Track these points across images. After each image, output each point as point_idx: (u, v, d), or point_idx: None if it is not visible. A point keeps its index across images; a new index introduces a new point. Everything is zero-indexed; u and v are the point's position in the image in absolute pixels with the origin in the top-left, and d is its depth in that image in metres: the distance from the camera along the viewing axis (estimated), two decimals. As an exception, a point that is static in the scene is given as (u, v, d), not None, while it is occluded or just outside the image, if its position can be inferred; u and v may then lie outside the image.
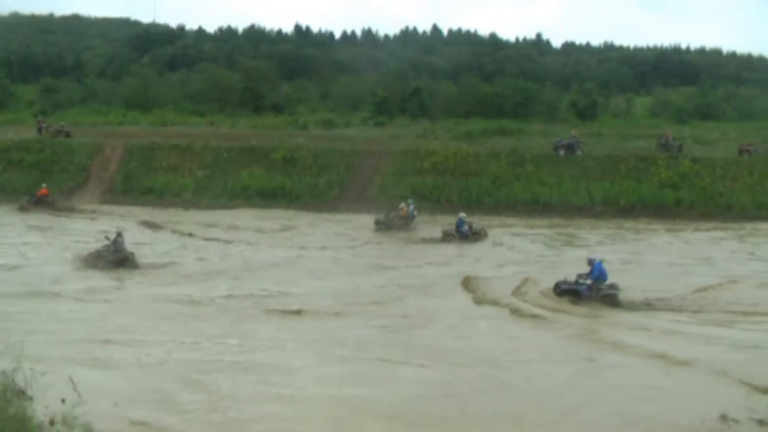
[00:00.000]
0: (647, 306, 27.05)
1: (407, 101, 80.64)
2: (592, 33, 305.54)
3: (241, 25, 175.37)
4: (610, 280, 27.62)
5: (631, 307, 27.00)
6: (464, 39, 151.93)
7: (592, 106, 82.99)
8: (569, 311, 26.68)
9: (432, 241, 40.78)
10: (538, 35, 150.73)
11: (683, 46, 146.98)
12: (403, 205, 45.00)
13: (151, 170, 55.94)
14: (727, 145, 60.35)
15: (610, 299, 27.18)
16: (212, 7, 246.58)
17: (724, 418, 16.52)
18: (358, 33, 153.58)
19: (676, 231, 45.08)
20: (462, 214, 41.50)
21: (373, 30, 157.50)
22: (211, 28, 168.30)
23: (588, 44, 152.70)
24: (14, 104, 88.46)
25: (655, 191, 51.37)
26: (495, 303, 27.80)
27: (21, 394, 14.97)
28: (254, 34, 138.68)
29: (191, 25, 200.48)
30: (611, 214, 49.53)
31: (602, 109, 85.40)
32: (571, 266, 29.98)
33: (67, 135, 61.15)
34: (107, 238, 34.37)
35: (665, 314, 26.14)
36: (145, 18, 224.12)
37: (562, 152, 55.70)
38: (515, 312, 26.71)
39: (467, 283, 30.67)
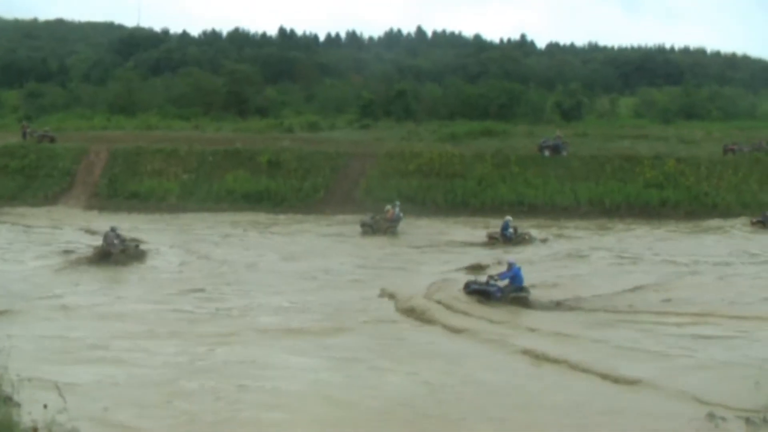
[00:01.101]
0: (557, 307, 26.79)
1: (392, 103, 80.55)
2: (576, 34, 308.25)
3: (225, 28, 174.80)
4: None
5: (541, 307, 26.76)
6: (449, 41, 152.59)
7: (576, 107, 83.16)
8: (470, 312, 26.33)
9: (474, 244, 40.02)
10: (522, 36, 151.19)
11: (667, 46, 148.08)
12: (389, 207, 44.79)
13: (136, 175, 55.77)
14: (711, 145, 60.58)
15: (521, 301, 26.91)
16: (196, 11, 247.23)
17: (711, 416, 16.49)
18: (343, 35, 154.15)
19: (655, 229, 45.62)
20: (508, 218, 40.90)
21: (358, 32, 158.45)
22: (195, 31, 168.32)
23: (572, 45, 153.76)
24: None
25: (640, 191, 51.53)
26: (409, 306, 26.98)
27: (8, 400, 14.90)
28: (238, 37, 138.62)
29: (175, 28, 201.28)
30: (597, 214, 49.64)
31: (587, 109, 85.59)
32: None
33: (52, 140, 60.94)
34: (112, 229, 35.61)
35: (570, 315, 26.00)
36: (129, 22, 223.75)
37: (547, 153, 55.84)
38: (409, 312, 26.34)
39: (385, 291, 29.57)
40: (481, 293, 27.08)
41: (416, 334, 24.09)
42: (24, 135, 62.35)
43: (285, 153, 56.87)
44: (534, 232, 41.79)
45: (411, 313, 26.09)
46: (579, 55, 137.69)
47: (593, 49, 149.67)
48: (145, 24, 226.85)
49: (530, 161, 55.21)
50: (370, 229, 43.66)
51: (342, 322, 25.32)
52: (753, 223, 45.22)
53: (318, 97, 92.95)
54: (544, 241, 40.89)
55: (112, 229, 35.55)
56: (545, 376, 20.12)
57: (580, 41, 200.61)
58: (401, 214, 44.56)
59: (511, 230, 39.70)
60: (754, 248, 38.91)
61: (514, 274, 26.97)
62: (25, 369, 16.48)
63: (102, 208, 52.36)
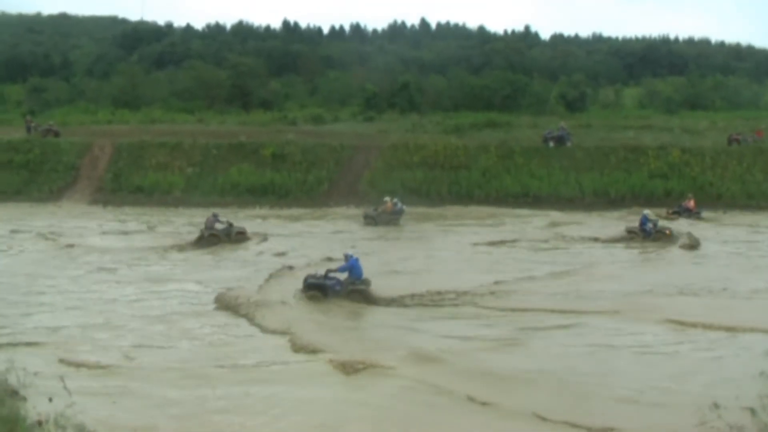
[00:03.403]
0: (398, 302, 26.60)
1: (396, 96, 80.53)
2: (580, 25, 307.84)
3: (228, 21, 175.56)
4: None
5: (382, 303, 26.61)
6: (452, 32, 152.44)
7: (580, 98, 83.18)
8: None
9: (613, 240, 39.37)
10: (527, 27, 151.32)
11: (671, 36, 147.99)
12: (387, 199, 44.90)
13: (140, 168, 55.61)
14: (716, 135, 60.54)
15: (359, 294, 26.65)
16: (200, 4, 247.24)
17: (715, 406, 16.48)
18: (347, 28, 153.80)
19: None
20: (646, 212, 40.38)
21: (362, 25, 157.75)
22: (198, 25, 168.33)
23: (576, 36, 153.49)
24: (2, 104, 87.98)
25: (645, 181, 51.61)
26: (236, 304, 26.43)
27: (14, 394, 14.91)
28: (242, 30, 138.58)
29: (179, 22, 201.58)
30: (601, 205, 49.74)
31: (591, 100, 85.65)
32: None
33: (56, 134, 60.76)
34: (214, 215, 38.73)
35: (409, 311, 25.99)
36: (133, 16, 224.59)
37: (551, 144, 55.77)
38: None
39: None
40: (318, 288, 26.75)
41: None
42: (28, 130, 62.16)
43: (289, 146, 56.75)
44: (674, 228, 40.45)
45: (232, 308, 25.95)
46: (583, 46, 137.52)
47: (597, 39, 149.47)
48: (149, 18, 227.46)
49: (534, 152, 55.13)
50: (372, 221, 43.88)
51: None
52: (669, 214, 45.80)
53: (322, 90, 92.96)
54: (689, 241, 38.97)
55: (214, 215, 38.51)
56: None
57: (585, 32, 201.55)
58: (403, 207, 44.64)
59: (650, 225, 38.95)
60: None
61: (351, 266, 26.73)
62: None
63: (107, 203, 52.30)
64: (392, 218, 44.10)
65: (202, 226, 38.37)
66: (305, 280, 27.13)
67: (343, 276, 26.73)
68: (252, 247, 37.56)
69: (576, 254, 36.31)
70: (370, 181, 52.83)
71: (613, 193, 50.39)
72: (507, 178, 52.54)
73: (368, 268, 27.61)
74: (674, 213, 45.96)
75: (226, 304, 26.16)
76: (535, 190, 51.35)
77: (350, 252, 28.01)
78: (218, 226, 38.00)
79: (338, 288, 26.51)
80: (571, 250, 37.31)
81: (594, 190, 51.19)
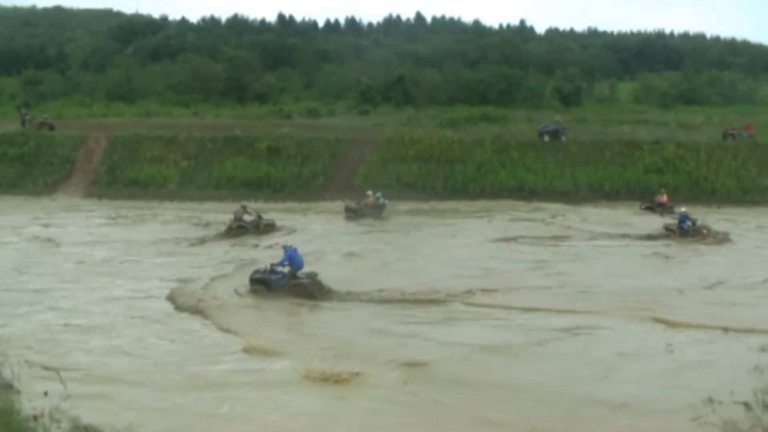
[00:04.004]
0: (347, 297, 26.64)
1: (391, 89, 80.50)
2: (575, 19, 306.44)
3: (224, 14, 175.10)
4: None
5: (329, 297, 26.62)
6: (448, 26, 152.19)
7: (576, 92, 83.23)
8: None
9: (651, 237, 38.81)
10: (522, 21, 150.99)
11: (667, 31, 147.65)
12: (369, 193, 45.29)
13: (135, 162, 55.54)
14: (711, 130, 60.57)
15: (302, 289, 26.61)
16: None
17: (710, 400, 16.48)
18: (342, 21, 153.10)
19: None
20: (683, 210, 39.99)
21: (357, 18, 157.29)
22: (194, 18, 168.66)
23: (572, 30, 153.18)
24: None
25: (640, 176, 51.66)
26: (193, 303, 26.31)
27: (8, 387, 14.92)
28: (237, 23, 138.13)
29: (174, 15, 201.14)
30: (596, 199, 49.86)
31: (586, 95, 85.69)
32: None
33: (51, 127, 60.64)
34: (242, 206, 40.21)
35: (357, 305, 26.03)
36: (128, 9, 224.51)
37: (546, 138, 55.77)
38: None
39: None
40: (262, 282, 26.80)
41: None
42: (23, 122, 62.02)
43: (284, 139, 56.69)
44: (713, 226, 40.02)
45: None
46: (578, 41, 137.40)
47: (593, 34, 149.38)
48: (144, 11, 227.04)
49: (530, 147, 55.13)
50: (354, 215, 44.26)
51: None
52: (642, 209, 46.19)
53: (317, 84, 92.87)
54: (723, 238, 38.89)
55: (243, 207, 39.88)
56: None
57: (580, 26, 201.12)
58: (385, 201, 44.81)
59: (688, 223, 38.47)
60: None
61: (289, 257, 26.75)
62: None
63: (101, 196, 52.29)
64: (374, 212, 44.32)
65: (231, 218, 39.40)
66: (251, 275, 27.24)
67: (285, 268, 26.69)
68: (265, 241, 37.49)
69: (636, 255, 35.64)
70: (366, 174, 52.80)
71: (608, 188, 50.45)
72: (502, 172, 52.51)
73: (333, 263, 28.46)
74: (647, 208, 46.13)
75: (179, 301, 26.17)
76: (530, 184, 51.36)
77: (288, 243, 28.13)
78: (246, 217, 39.08)
79: (282, 282, 26.53)
80: (630, 248, 36.91)
81: (589, 184, 51.21)
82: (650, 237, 38.73)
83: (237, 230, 38.50)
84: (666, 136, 56.89)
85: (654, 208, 45.87)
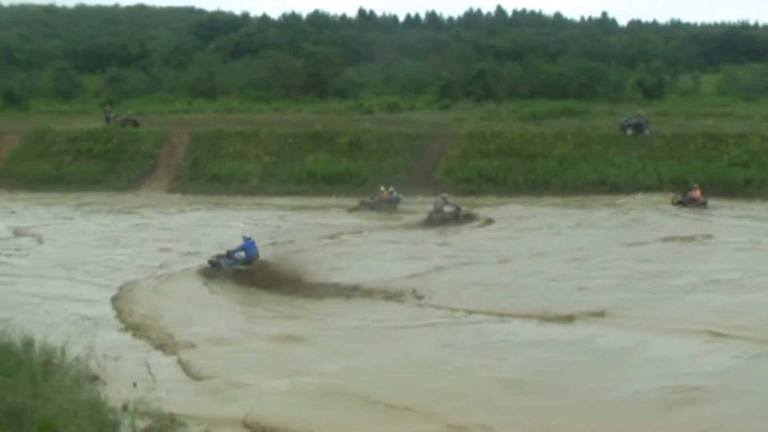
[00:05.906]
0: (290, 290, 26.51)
1: (471, 83, 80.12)
2: (658, 10, 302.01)
3: (304, 10, 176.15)
4: None
5: (273, 288, 26.68)
6: (528, 19, 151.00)
7: (658, 85, 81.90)
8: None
9: None
10: (603, 14, 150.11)
11: (751, 22, 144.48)
12: (383, 188, 46.21)
13: (217, 157, 56.24)
14: (797, 122, 59.35)
15: (244, 276, 27.64)
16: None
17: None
18: (422, 16, 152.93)
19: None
20: None
21: (437, 12, 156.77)
22: (274, 14, 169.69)
23: (654, 22, 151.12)
24: (81, 95, 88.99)
25: (724, 170, 50.76)
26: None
27: (94, 379, 15.20)
28: (318, 19, 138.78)
29: (255, 11, 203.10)
30: (679, 193, 49.03)
31: (669, 87, 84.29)
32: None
33: (135, 124, 61.54)
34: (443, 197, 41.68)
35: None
36: (210, 6, 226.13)
37: (629, 131, 55.18)
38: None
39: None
40: (213, 265, 28.47)
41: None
42: (107, 119, 63.02)
43: (365, 134, 56.94)
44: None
45: None
46: (661, 33, 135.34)
47: (675, 26, 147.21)
48: (225, 8, 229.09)
49: (612, 140, 54.63)
50: (368, 209, 45.49)
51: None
52: (674, 204, 45.61)
53: (397, 78, 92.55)
54: None
55: (443, 198, 41.33)
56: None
57: (662, 18, 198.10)
58: (399, 196, 45.95)
59: None
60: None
61: (245, 248, 28.21)
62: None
63: (185, 191, 53.09)
64: (389, 207, 45.32)
65: (431, 208, 40.94)
66: (209, 258, 29.08)
67: (240, 256, 28.26)
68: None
69: None
70: (447, 169, 52.83)
71: (692, 182, 49.61)
72: (584, 166, 52.17)
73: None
74: (679, 203, 45.37)
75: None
76: (613, 178, 50.92)
77: (247, 234, 29.24)
78: (446, 208, 40.69)
79: (231, 264, 28.13)
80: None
81: (672, 179, 50.48)
82: None
83: (437, 220, 40.04)
84: (751, 129, 55.84)
85: (686, 203, 45.02)
